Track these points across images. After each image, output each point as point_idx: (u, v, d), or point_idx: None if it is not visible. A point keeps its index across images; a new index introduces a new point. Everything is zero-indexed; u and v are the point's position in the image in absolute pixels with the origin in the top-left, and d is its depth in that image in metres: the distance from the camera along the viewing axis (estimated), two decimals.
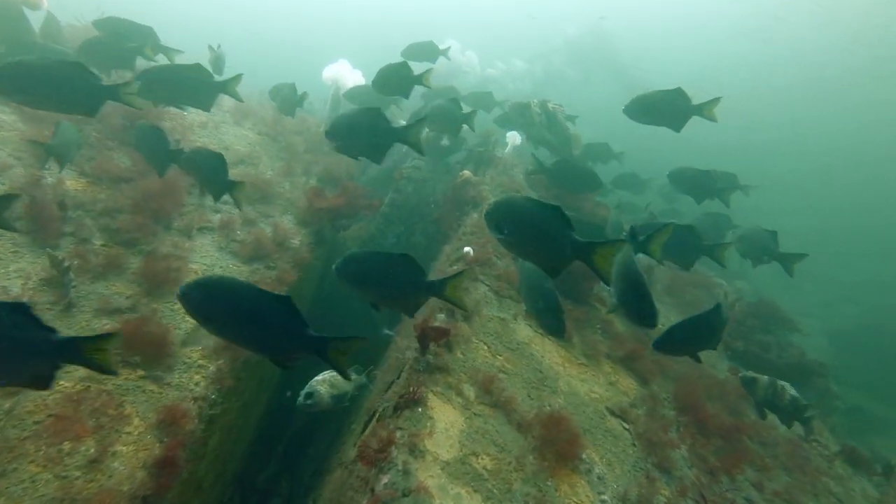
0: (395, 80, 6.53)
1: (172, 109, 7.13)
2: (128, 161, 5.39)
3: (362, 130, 4.59)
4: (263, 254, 5.05)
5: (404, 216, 8.49)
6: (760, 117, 34.87)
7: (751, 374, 5.74)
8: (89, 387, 2.97)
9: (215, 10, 38.26)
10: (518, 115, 7.30)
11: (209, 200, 5.56)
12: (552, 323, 5.08)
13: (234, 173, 6.23)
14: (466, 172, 7.78)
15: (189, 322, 3.94)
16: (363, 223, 9.57)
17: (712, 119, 5.79)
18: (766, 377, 5.40)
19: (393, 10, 39.48)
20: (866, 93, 31.79)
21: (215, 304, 2.63)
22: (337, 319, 9.59)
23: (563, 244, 3.14)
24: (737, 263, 18.05)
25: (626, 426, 4.50)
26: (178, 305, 3.99)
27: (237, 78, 5.47)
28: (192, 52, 7.49)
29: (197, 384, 3.40)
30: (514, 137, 10.34)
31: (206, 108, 5.44)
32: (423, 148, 4.80)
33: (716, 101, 5.75)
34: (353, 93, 8.69)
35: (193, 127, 7.04)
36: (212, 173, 4.74)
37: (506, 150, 9.75)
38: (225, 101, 8.36)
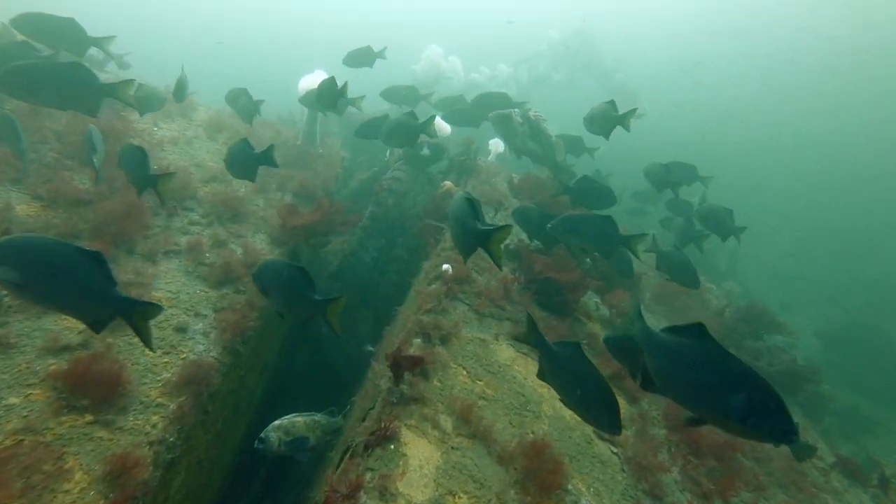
0: (402, 130, 6.65)
1: (140, 124, 6.91)
2: (87, 182, 5.14)
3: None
4: (233, 277, 4.82)
5: (385, 229, 8.27)
6: (741, 117, 35.00)
7: None
8: (23, 440, 2.72)
9: (190, 21, 37.92)
10: (500, 127, 7.13)
11: (177, 222, 5.33)
12: (604, 418, 3.31)
13: (205, 192, 6.01)
14: (448, 183, 7.59)
15: (148, 356, 3.70)
16: (345, 237, 9.35)
17: (626, 128, 6.49)
18: None
19: (372, 16, 39.36)
20: (849, 93, 32.05)
21: (19, 258, 2.51)
22: (319, 336, 9.37)
23: (470, 231, 3.57)
24: (726, 264, 18.08)
25: (615, 450, 4.30)
26: (135, 339, 3.76)
27: (129, 83, 4.82)
28: (161, 65, 7.30)
29: (154, 426, 3.15)
30: (496, 145, 10.17)
31: (94, 114, 4.79)
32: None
33: (632, 112, 6.51)
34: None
35: (163, 143, 6.81)
36: (133, 168, 4.51)
37: (489, 158, 9.58)
38: (199, 114, 8.15)
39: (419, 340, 4.25)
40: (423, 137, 8.93)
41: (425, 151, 8.57)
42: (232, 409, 5.26)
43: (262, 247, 5.65)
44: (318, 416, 4.87)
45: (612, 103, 6.43)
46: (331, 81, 6.68)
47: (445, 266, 5.24)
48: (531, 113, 7.24)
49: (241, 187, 6.56)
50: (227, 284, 4.76)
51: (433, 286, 5.12)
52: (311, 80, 8.39)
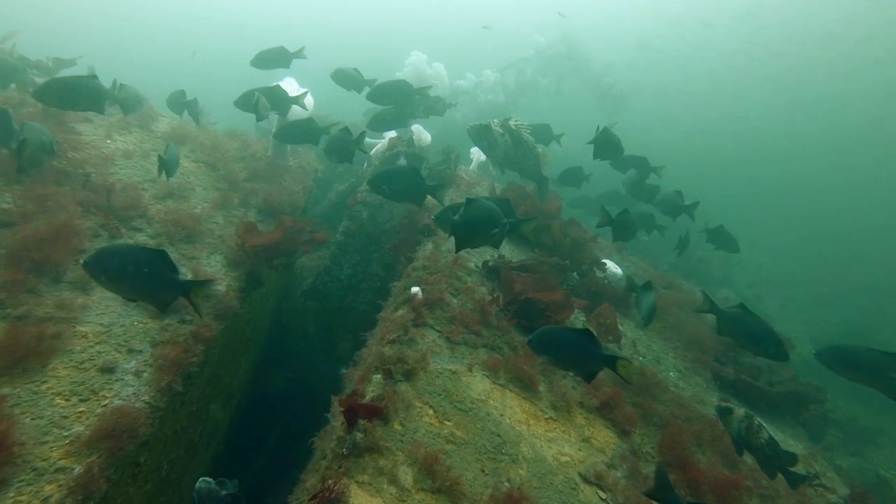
0: (338, 146, 6.41)
1: (89, 136, 6.42)
2: (9, 201, 4.64)
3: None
4: (178, 306, 4.31)
5: (360, 245, 7.79)
6: (731, 120, 34.82)
7: (726, 403, 5.13)
8: None
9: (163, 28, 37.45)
10: (478, 138, 6.64)
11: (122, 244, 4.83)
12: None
13: (157, 210, 5.52)
14: None
15: (60, 404, 3.20)
16: (322, 252, 8.87)
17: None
18: (742, 410, 4.78)
19: (352, 22, 38.97)
20: (842, 94, 31.88)
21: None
22: (294, 359, 8.86)
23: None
24: (720, 270, 17.66)
25: (604, 496, 3.82)
26: (44, 387, 3.26)
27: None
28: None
29: (45, 500, 2.64)
30: (478, 153, 9.72)
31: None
32: None
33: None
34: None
35: (116, 157, 6.30)
36: None
37: (470, 167, 9.12)
38: (161, 125, 7.66)
39: (379, 377, 3.76)
40: (394, 146, 8.54)
41: (401, 161, 8.11)
42: (184, 449, 4.75)
43: (217, 269, 5.16)
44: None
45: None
46: (343, 132, 6.36)
47: (415, 289, 4.76)
48: (512, 122, 6.76)
49: (200, 204, 6.06)
50: (170, 313, 4.26)
51: (400, 311, 4.64)
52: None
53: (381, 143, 9.46)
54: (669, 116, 28.93)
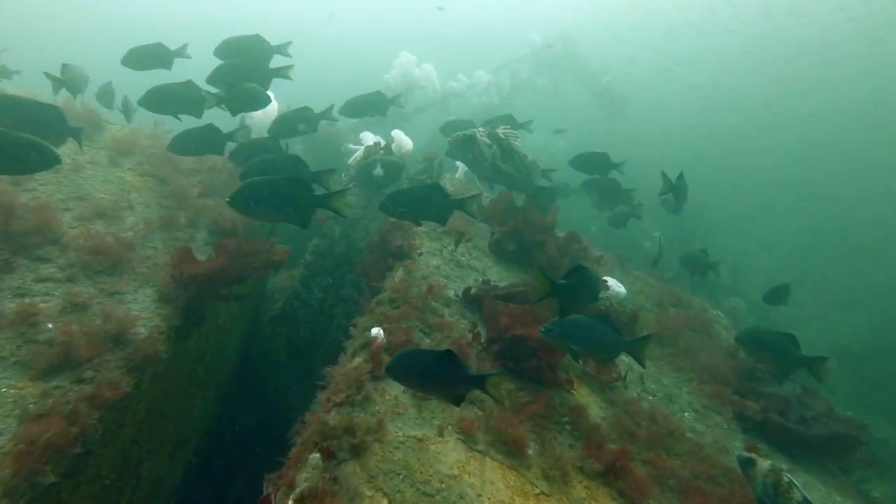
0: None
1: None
2: None
3: None
4: (76, 360, 3.47)
5: (331, 266, 6.97)
6: (739, 117, 33.99)
7: (748, 453, 4.33)
8: None
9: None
10: (463, 152, 5.75)
11: (14, 279, 4.00)
12: None
13: (74, 234, 4.69)
14: None
15: None
16: (295, 271, 8.05)
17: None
18: (767, 463, 3.96)
19: (338, 23, 38.12)
20: (861, 89, 31.03)
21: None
22: (263, 389, 8.03)
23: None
24: (728, 277, 16.80)
25: None
26: None
27: None
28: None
29: None
30: None
31: None
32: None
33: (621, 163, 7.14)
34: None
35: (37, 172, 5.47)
36: None
37: (456, 175, 8.29)
38: (106, 134, 6.85)
39: (317, 457, 2.91)
40: (370, 154, 7.70)
41: (378, 171, 7.28)
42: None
43: (144, 306, 4.32)
44: None
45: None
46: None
47: (375, 331, 3.92)
48: (500, 131, 5.89)
49: (133, 227, 5.22)
50: (63, 371, 3.42)
51: (356, 360, 3.80)
52: None
53: (359, 150, 8.64)
54: (671, 116, 28.12)
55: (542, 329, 3.79)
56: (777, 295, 7.60)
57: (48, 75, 6.71)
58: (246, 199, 4.02)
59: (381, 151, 7.66)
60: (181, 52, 6.67)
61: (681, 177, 6.67)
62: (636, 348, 4.18)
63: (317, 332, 7.25)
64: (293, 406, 7.52)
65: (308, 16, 40.03)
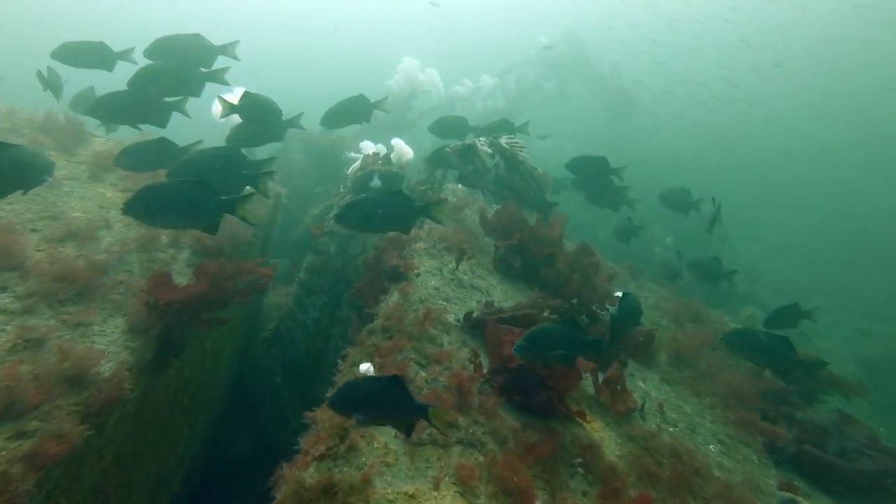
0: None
1: None
2: None
3: None
4: (19, 409, 3.08)
5: (327, 284, 6.56)
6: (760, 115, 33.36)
7: (790, 495, 3.93)
8: None
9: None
10: (463, 163, 5.31)
11: None
12: None
13: (38, 259, 4.31)
14: None
15: None
16: (291, 287, 7.67)
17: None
18: None
19: (341, 24, 37.78)
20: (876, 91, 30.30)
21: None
22: (258, 413, 7.65)
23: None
24: (743, 284, 16.22)
25: None
26: None
27: None
28: None
29: None
30: None
31: None
32: None
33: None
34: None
35: None
36: None
37: (458, 186, 7.87)
38: (88, 148, 6.50)
39: None
40: (367, 165, 7.31)
41: (375, 182, 6.88)
42: None
43: (113, 338, 3.93)
44: None
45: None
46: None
47: (364, 367, 3.50)
48: (503, 140, 5.44)
49: (109, 248, 4.84)
50: (3, 422, 3.02)
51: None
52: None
53: (359, 159, 8.24)
54: (679, 114, 27.53)
55: (516, 349, 3.64)
56: (784, 317, 6.67)
57: (39, 74, 6.41)
58: (141, 206, 3.84)
59: (380, 161, 7.26)
60: (125, 56, 6.19)
61: (714, 201, 7.05)
62: (598, 346, 4.09)
63: (313, 353, 6.85)
64: (291, 429, 7.14)
65: (311, 28, 39.85)
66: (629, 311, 4.47)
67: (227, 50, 6.10)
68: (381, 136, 10.24)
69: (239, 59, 6.13)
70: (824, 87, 33.60)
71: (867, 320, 15.83)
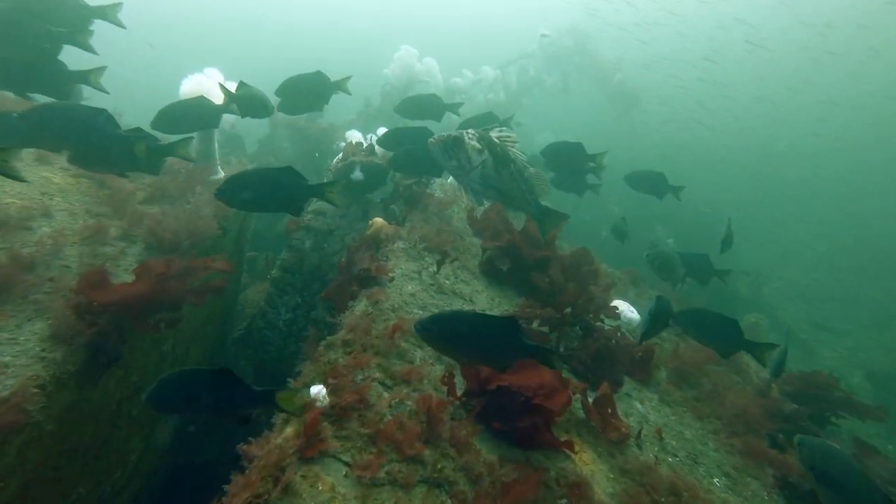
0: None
1: None
2: None
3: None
4: None
5: (300, 283, 6.04)
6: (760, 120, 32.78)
7: None
8: None
9: None
10: (447, 157, 4.70)
11: None
12: None
13: None
14: (378, 221, 5.34)
15: None
16: (264, 285, 7.15)
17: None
18: None
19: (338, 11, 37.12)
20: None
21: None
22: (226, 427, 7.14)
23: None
24: (748, 289, 15.68)
25: None
26: None
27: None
28: None
29: None
30: None
31: None
32: None
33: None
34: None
35: None
36: None
37: (447, 180, 7.34)
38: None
39: None
40: (348, 156, 6.78)
41: (357, 174, 6.34)
42: None
43: (24, 348, 3.39)
44: None
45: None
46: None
47: (314, 390, 2.97)
48: (494, 134, 4.86)
49: (39, 241, 4.29)
50: None
51: (288, 430, 2.86)
52: (198, 83, 6.19)
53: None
54: (682, 112, 26.94)
55: (416, 326, 3.23)
56: (692, 263, 6.63)
57: None
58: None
59: (363, 152, 6.71)
60: (105, 14, 5.63)
61: (728, 222, 7.07)
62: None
63: (285, 356, 6.34)
64: (261, 434, 6.63)
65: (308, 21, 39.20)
66: (664, 312, 4.57)
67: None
68: (375, 127, 9.71)
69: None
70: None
71: (875, 330, 15.31)
